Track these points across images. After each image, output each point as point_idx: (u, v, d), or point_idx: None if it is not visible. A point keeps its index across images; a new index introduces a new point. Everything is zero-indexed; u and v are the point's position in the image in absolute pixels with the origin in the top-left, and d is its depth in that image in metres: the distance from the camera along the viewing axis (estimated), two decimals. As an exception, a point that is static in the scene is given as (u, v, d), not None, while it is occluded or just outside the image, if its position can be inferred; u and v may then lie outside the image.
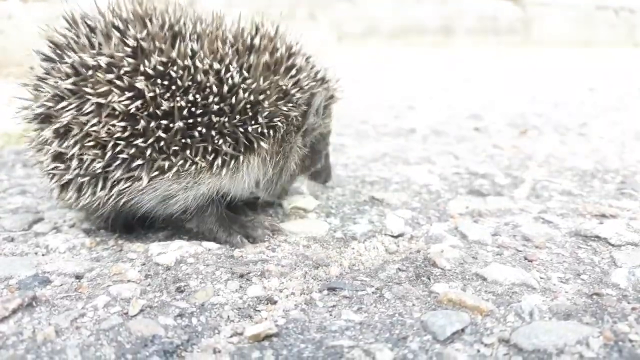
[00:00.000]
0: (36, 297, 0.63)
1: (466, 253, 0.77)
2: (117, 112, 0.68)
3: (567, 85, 2.66)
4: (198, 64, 0.70)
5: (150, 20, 0.73)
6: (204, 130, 0.70)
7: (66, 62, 0.71)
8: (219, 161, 0.71)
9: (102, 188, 0.71)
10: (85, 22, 0.74)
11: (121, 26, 0.72)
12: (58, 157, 0.72)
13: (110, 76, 0.68)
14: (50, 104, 0.72)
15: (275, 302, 0.64)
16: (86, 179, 0.71)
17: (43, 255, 0.76)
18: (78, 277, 0.69)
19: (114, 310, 0.61)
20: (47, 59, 0.75)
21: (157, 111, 0.68)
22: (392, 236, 0.83)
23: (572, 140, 1.54)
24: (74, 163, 0.71)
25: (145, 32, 0.71)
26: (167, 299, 0.64)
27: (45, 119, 0.73)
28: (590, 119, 1.83)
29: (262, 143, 0.73)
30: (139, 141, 0.68)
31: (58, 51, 0.74)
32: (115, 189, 0.71)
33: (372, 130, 1.62)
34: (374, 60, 3.50)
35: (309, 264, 0.73)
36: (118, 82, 0.68)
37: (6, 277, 0.69)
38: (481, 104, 2.08)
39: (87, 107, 0.69)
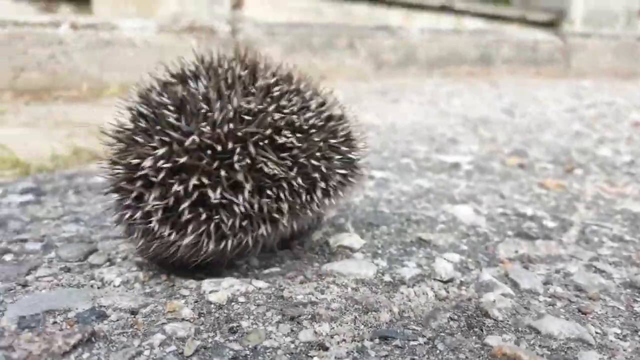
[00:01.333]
0: (95, 332, 0.65)
1: (518, 303, 0.76)
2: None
3: (611, 119, 2.61)
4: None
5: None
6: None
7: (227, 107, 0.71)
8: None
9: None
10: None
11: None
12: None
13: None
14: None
15: (327, 349, 0.64)
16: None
17: (99, 288, 0.78)
18: (133, 312, 0.71)
19: (169, 350, 0.62)
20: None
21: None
22: (442, 281, 0.83)
23: (620, 180, 1.51)
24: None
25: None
26: (220, 340, 0.65)
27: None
28: (638, 158, 1.79)
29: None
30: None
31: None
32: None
33: (414, 164, 1.62)
34: (412, 89, 3.50)
35: (358, 308, 0.73)
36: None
37: (65, 309, 0.71)
38: (523, 139, 2.06)
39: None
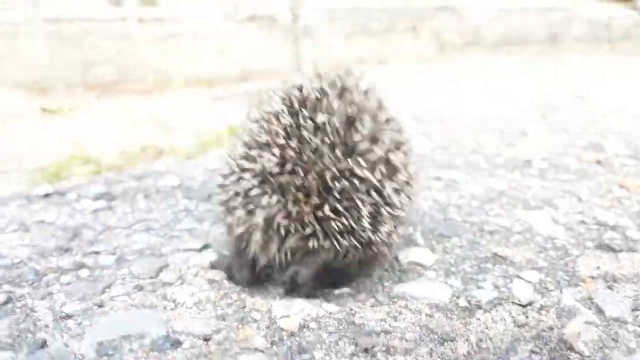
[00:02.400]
0: (170, 364, 0.65)
1: (605, 334, 0.71)
2: None
3: (698, 103, 2.43)
4: None
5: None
6: None
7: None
8: None
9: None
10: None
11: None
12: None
13: None
14: None
15: (403, 387, 0.62)
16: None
17: (171, 309, 0.79)
18: (206, 339, 0.71)
19: (243, 384, 0.62)
20: None
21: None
22: (521, 305, 0.79)
23: None
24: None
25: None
26: (293, 374, 0.64)
27: None
28: None
29: None
30: None
31: None
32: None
33: (484, 161, 1.56)
34: (476, 72, 3.38)
35: (434, 338, 0.71)
36: None
37: (140, 334, 0.72)
38: (599, 129, 1.94)
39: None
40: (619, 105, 2.35)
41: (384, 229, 0.75)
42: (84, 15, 3.40)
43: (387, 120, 0.81)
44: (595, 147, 1.70)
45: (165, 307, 0.79)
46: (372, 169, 0.74)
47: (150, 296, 0.82)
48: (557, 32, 4.13)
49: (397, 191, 0.76)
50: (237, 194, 0.76)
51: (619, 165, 1.51)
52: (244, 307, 0.79)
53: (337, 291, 0.83)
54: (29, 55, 3.31)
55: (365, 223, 0.73)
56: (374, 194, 0.73)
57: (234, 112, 2.92)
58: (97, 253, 1.00)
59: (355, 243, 0.73)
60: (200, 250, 0.99)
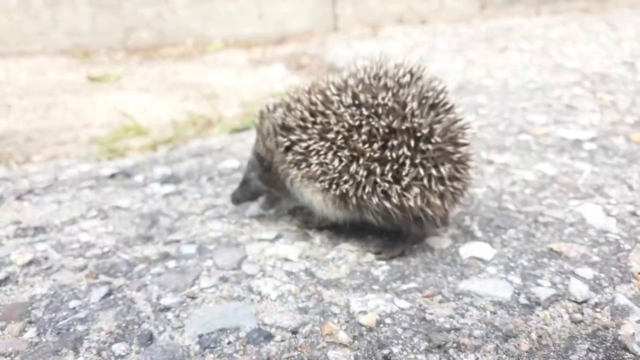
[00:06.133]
0: (269, 358, 0.74)
1: (658, 333, 0.78)
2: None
3: None
4: None
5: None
6: None
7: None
8: None
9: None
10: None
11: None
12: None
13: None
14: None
15: (476, 383, 0.70)
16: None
17: (258, 302, 0.88)
18: (294, 332, 0.80)
19: (333, 377, 0.71)
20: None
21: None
22: (577, 302, 0.85)
23: None
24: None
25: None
26: (376, 368, 0.72)
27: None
28: None
29: None
30: None
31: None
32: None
33: (534, 141, 1.59)
34: (519, 34, 3.32)
35: (499, 335, 0.78)
36: None
37: (234, 327, 0.81)
38: (650, 102, 1.93)
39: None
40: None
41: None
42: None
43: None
44: (645, 125, 1.70)
45: (252, 300, 0.88)
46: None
47: (237, 288, 0.91)
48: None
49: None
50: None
51: (668, 146, 1.53)
52: (322, 300, 0.87)
53: (404, 285, 0.91)
54: (71, 21, 3.38)
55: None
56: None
57: (275, 77, 2.96)
58: (177, 242, 1.09)
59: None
60: (273, 240, 1.08)
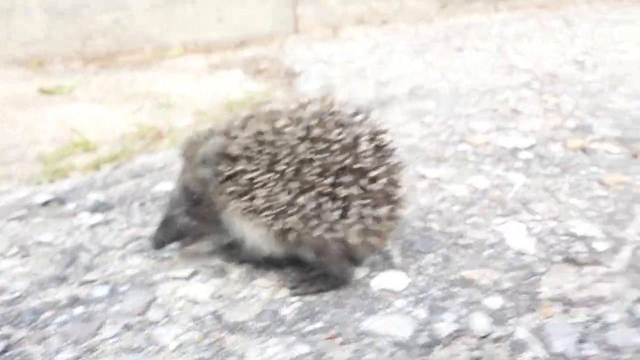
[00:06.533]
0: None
1: (552, 371, 0.77)
2: None
3: None
4: None
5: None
6: None
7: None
8: None
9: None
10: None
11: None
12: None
13: None
14: None
15: None
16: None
17: (156, 353, 0.85)
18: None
19: None
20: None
21: None
22: (477, 337, 0.84)
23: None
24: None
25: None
26: None
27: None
28: None
29: None
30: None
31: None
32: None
33: (472, 152, 1.57)
34: (477, 32, 3.31)
35: (394, 380, 0.77)
36: None
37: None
38: (591, 105, 1.92)
39: None
40: (619, 73, 2.30)
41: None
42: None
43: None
44: (584, 129, 1.69)
45: (149, 352, 0.86)
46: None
47: (138, 337, 0.89)
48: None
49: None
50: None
51: (603, 153, 1.52)
52: (223, 348, 0.85)
53: (310, 326, 0.89)
54: (25, 30, 3.31)
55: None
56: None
57: (233, 83, 2.92)
58: (92, 282, 1.07)
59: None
60: (188, 278, 1.05)
